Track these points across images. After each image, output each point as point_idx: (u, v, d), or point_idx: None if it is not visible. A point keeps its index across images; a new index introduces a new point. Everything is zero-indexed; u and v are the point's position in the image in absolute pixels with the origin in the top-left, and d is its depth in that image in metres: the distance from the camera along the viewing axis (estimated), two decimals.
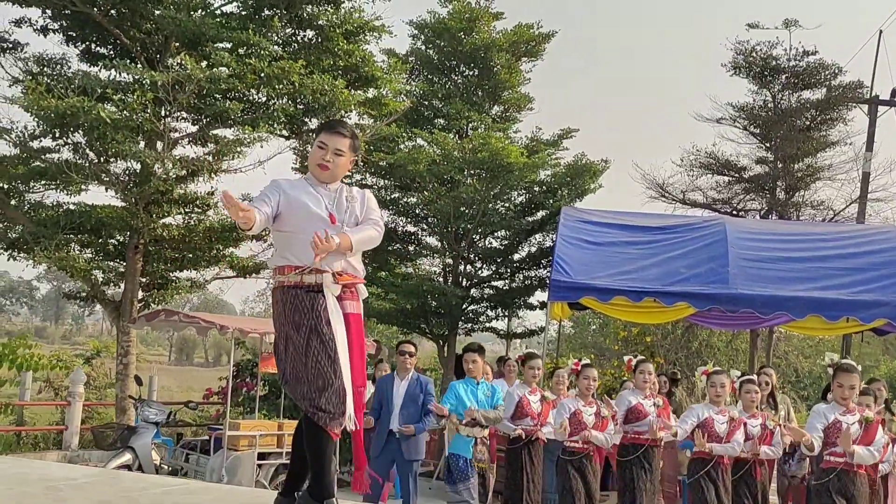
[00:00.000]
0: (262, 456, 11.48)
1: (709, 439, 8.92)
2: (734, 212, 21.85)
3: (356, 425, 4.66)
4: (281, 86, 12.90)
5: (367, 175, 18.73)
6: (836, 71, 21.69)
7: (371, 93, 14.66)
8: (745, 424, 9.16)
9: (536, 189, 18.95)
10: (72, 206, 13.88)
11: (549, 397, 9.97)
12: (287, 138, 14.18)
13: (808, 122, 21.95)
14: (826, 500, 7.68)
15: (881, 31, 22.58)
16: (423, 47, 20.05)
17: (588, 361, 10.18)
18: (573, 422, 9.24)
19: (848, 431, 7.62)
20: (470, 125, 19.40)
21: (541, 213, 19.02)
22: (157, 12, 13.31)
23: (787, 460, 11.11)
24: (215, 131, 13.88)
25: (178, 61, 13.62)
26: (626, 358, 10.54)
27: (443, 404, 9.60)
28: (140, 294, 13.79)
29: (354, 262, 4.91)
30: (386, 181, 19.07)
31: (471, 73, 19.86)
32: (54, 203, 13.99)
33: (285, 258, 4.82)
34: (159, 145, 13.23)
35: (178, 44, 13.80)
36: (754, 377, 10.24)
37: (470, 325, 19.54)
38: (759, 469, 9.26)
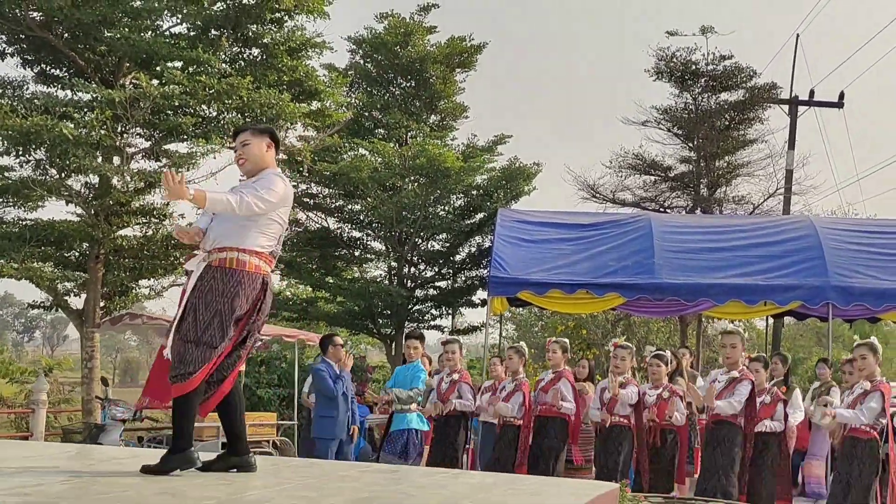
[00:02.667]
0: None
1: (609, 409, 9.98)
2: (661, 209, 22.92)
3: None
4: (230, 101, 13.63)
5: (312, 184, 19.57)
6: (752, 74, 22.95)
7: (315, 105, 15.47)
8: (643, 394, 10.06)
9: (474, 193, 19.91)
10: (30, 221, 14.50)
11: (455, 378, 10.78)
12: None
13: (727, 123, 23.16)
14: (707, 448, 8.79)
15: (798, 35, 23.91)
16: (362, 61, 20.99)
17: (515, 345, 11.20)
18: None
19: (712, 387, 8.79)
20: (409, 134, 20.36)
21: (479, 216, 20.00)
22: (109, 34, 14.01)
23: None
24: (168, 146, 14.59)
25: (132, 80, 14.32)
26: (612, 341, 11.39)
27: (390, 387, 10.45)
28: (102, 302, 14.43)
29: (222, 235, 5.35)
30: (330, 190, 19.89)
31: (408, 84, 20.83)
32: (14, 219, 14.59)
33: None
34: (116, 160, 13.92)
35: (130, 63, 14.49)
36: (665, 353, 11.21)
37: (416, 324, 20.41)
38: (668, 437, 10.04)
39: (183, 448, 5.24)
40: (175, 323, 5.28)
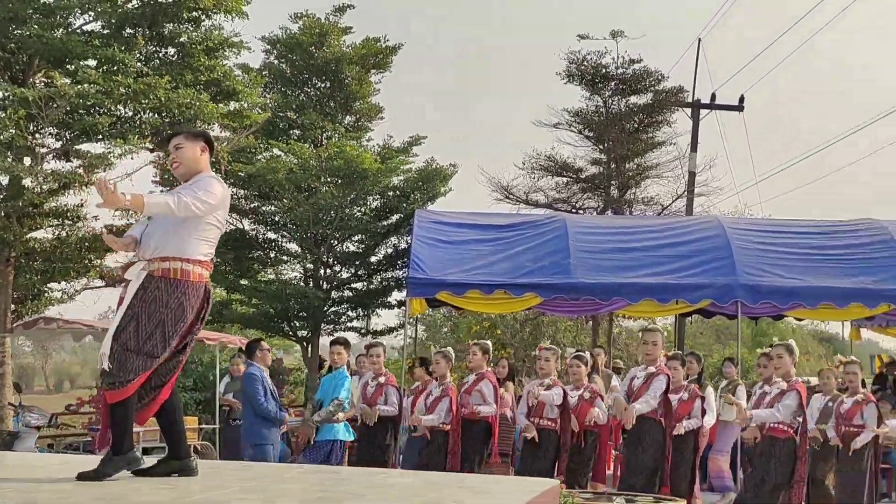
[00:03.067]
0: (146, 451, 12.07)
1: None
2: (573, 210, 23.36)
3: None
4: (147, 100, 13.48)
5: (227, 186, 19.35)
6: (660, 77, 23.55)
7: (232, 106, 15.38)
8: (566, 395, 10.26)
9: (390, 194, 19.99)
10: None
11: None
12: (151, 150, 14.74)
13: (636, 125, 23.72)
14: (629, 446, 9.14)
15: (700, 39, 24.57)
16: (276, 61, 20.89)
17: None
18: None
19: (619, 400, 9.08)
20: (324, 135, 20.33)
21: (395, 217, 20.08)
22: (19, 31, 13.72)
23: None
24: (81, 146, 14.34)
25: (42, 78, 14.05)
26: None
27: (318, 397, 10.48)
28: (13, 306, 14.11)
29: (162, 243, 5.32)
30: (245, 191, 19.75)
31: (323, 85, 20.81)
32: None
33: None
34: (27, 160, 13.63)
35: (42, 61, 14.21)
36: (584, 354, 11.48)
37: (332, 326, 20.40)
38: (589, 438, 10.32)
39: (125, 451, 5.24)
40: (114, 331, 5.23)
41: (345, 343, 10.62)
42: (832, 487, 10.16)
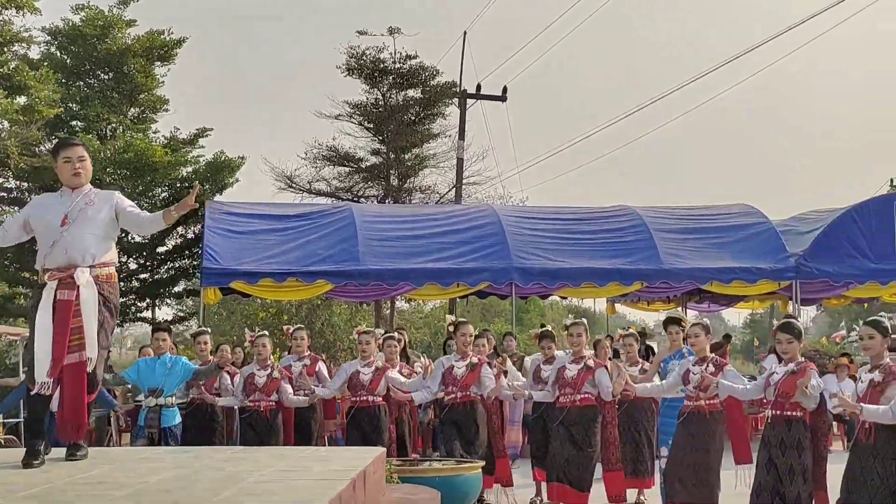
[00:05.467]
0: None
1: None
2: (355, 198, 24.29)
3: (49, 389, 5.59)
4: None
5: (11, 178, 19.12)
6: (434, 72, 24.83)
7: (23, 100, 15.32)
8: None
9: (179, 185, 20.26)
10: None
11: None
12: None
13: (413, 118, 24.92)
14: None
15: (465, 33, 25.95)
16: (58, 52, 20.66)
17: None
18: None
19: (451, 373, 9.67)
20: (109, 127, 20.34)
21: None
22: None
23: None
24: None
25: None
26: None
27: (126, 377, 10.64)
28: None
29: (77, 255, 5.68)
30: (29, 184, 19.50)
31: (107, 77, 20.80)
32: None
33: (38, 261, 5.84)
34: None
35: None
36: (395, 334, 12.19)
37: (120, 318, 20.42)
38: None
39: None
40: (90, 338, 5.59)
41: (168, 329, 10.91)
42: None
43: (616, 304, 20.72)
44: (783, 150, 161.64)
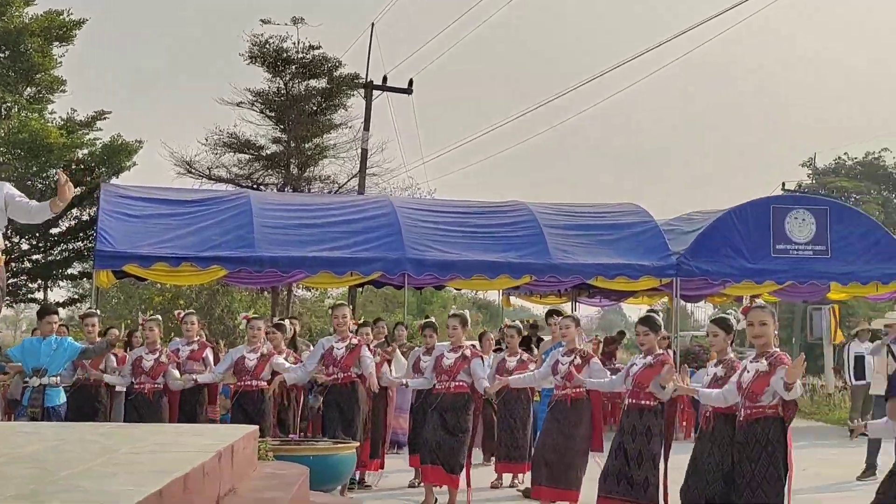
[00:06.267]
0: None
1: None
2: (255, 186, 24.35)
3: None
4: None
5: None
6: (337, 63, 25.01)
7: None
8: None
9: (74, 167, 20.09)
10: None
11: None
12: None
13: (315, 108, 25.06)
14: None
15: (373, 24, 26.18)
16: None
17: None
18: None
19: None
20: (4, 106, 20.08)
21: (79, 189, 20.15)
22: None
23: None
24: None
25: None
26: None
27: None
28: None
29: None
30: None
31: (2, 55, 20.52)
32: None
33: None
34: None
35: None
36: (382, 327, 12.51)
37: (10, 298, 20.24)
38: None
39: None
40: None
41: (56, 312, 10.96)
42: None
43: (511, 298, 21.21)
44: (678, 149, 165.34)
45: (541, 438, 8.79)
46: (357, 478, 10.55)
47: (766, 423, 6.19)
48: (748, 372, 6.36)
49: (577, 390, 8.51)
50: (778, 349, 6.39)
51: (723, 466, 6.38)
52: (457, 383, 9.28)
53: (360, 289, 21.91)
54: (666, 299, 20.18)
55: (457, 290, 19.54)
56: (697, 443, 6.95)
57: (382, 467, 10.97)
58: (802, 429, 18.20)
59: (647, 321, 7.79)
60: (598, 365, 8.62)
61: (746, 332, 6.55)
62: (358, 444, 9.17)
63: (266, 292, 23.76)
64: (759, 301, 7.02)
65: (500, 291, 19.52)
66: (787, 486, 6.25)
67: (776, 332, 6.47)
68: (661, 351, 7.75)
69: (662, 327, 8.08)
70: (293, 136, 24.59)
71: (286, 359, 10.81)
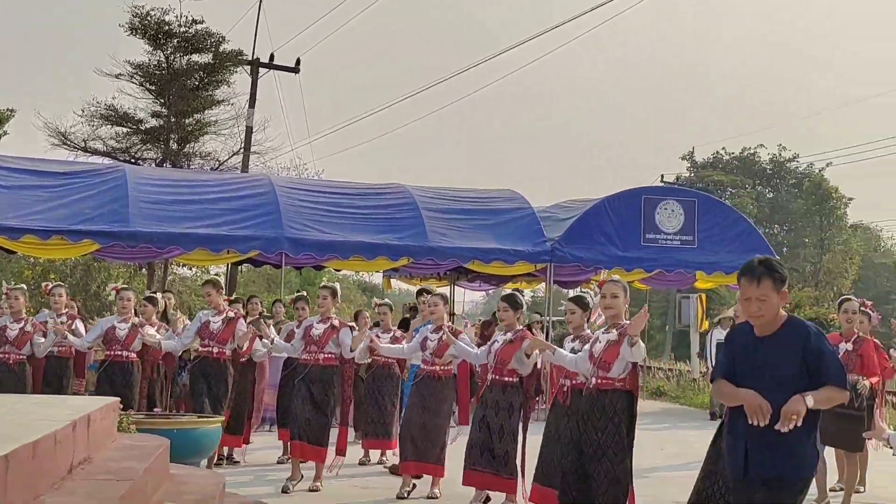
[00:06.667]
0: None
1: None
2: (133, 160, 23.92)
3: None
4: None
5: None
6: (221, 39, 24.76)
7: None
8: None
9: None
10: None
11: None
12: None
13: (197, 83, 24.74)
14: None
15: (260, 2, 25.88)
16: None
17: None
18: None
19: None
20: None
21: None
22: None
23: None
24: None
25: None
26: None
27: None
28: None
29: None
30: None
31: None
32: None
33: None
34: None
35: None
36: (257, 304, 12.41)
37: None
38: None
39: None
40: None
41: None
42: None
43: (392, 280, 21.35)
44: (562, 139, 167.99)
45: (406, 414, 8.96)
46: (226, 453, 10.59)
47: (613, 396, 6.43)
48: (599, 342, 6.62)
49: (445, 368, 8.70)
50: (628, 321, 6.58)
51: (577, 438, 6.62)
52: (325, 354, 9.33)
53: (241, 267, 21.75)
54: (542, 285, 20.64)
55: (336, 270, 19.57)
56: (551, 415, 7.21)
57: (247, 442, 11.01)
58: (666, 411, 18.94)
59: (508, 298, 8.03)
60: (467, 339, 8.81)
61: (599, 304, 6.81)
62: (223, 418, 9.19)
63: (143, 269, 23.38)
64: (615, 276, 7.26)
65: (382, 273, 19.64)
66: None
67: (626, 306, 6.73)
68: (520, 327, 7.98)
69: (524, 307, 8.31)
70: (174, 110, 24.24)
71: (157, 331, 10.69)
